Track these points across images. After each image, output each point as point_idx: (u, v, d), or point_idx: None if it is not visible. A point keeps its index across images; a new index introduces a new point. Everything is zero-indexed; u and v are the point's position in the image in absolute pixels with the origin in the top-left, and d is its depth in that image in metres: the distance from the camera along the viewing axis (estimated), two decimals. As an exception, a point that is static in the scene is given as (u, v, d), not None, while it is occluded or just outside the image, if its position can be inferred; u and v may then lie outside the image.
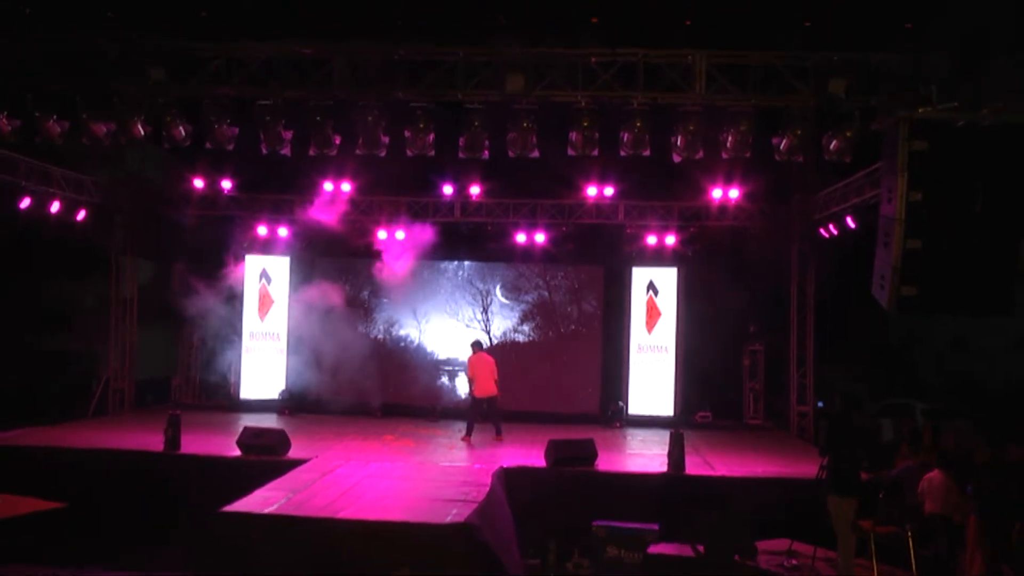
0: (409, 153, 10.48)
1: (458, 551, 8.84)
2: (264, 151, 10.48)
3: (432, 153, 10.52)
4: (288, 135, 10.45)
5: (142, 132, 10.32)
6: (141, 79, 9.78)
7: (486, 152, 10.44)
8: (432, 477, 11.75)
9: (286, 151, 10.57)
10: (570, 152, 10.36)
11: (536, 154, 10.37)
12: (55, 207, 15.41)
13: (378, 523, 9.12)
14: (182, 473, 12.44)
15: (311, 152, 10.55)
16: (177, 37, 9.78)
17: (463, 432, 15.12)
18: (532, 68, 9.74)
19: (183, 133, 10.43)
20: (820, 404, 16.49)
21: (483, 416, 15.21)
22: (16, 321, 16.61)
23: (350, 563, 8.71)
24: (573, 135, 10.15)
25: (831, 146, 10.18)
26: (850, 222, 14.58)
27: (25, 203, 14.73)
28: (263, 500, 9.97)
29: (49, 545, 10.66)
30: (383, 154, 10.48)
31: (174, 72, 9.90)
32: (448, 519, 9.19)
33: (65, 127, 10.32)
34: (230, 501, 9.78)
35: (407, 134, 10.26)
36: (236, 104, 10.32)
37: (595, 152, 10.29)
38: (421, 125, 10.14)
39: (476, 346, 15.73)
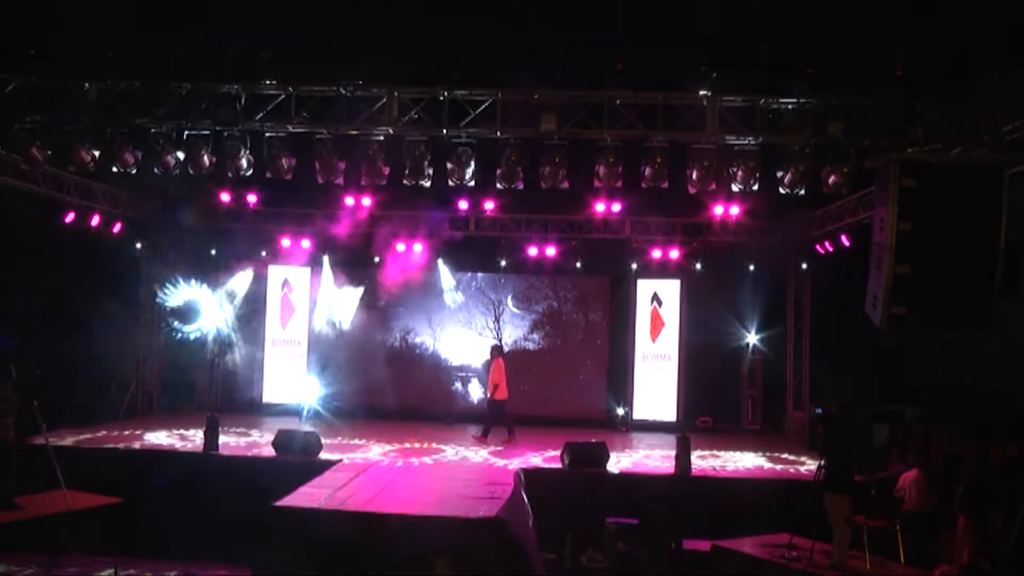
0: (450, 183, 11.41)
1: (491, 543, 9.61)
2: (320, 181, 11.40)
3: (473, 183, 11.47)
4: (342, 166, 11.37)
5: (208, 163, 11.24)
6: (211, 115, 10.75)
7: (520, 183, 11.39)
8: (459, 477, 12.53)
9: (339, 180, 11.52)
10: (596, 184, 11.32)
11: (566, 185, 11.33)
12: (95, 220, 16.29)
13: (419, 517, 9.90)
14: (222, 472, 13.20)
15: (363, 182, 11.48)
16: (243, 78, 10.71)
17: (478, 434, 16.05)
18: (564, 108, 10.71)
19: (246, 164, 11.36)
20: (819, 411, 17.25)
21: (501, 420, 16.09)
22: (52, 326, 17.34)
23: (395, 553, 9.51)
24: (600, 168, 11.08)
25: (829, 180, 11.12)
26: (844, 240, 15.34)
27: (70, 217, 15.63)
28: (308, 496, 10.73)
29: (108, 536, 11.33)
30: (428, 184, 11.42)
31: (241, 109, 10.85)
32: (481, 514, 9.97)
33: (138, 157, 11.25)
34: (269, 499, 10.42)
35: (449, 166, 11.19)
36: (293, 137, 11.22)
37: (619, 184, 11.27)
38: (463, 159, 11.09)
39: (499, 351, 16.75)
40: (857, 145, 10.64)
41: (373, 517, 9.89)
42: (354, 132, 11.06)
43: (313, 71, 10.66)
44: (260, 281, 19.60)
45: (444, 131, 10.90)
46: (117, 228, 17.16)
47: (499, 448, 15.38)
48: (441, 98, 10.82)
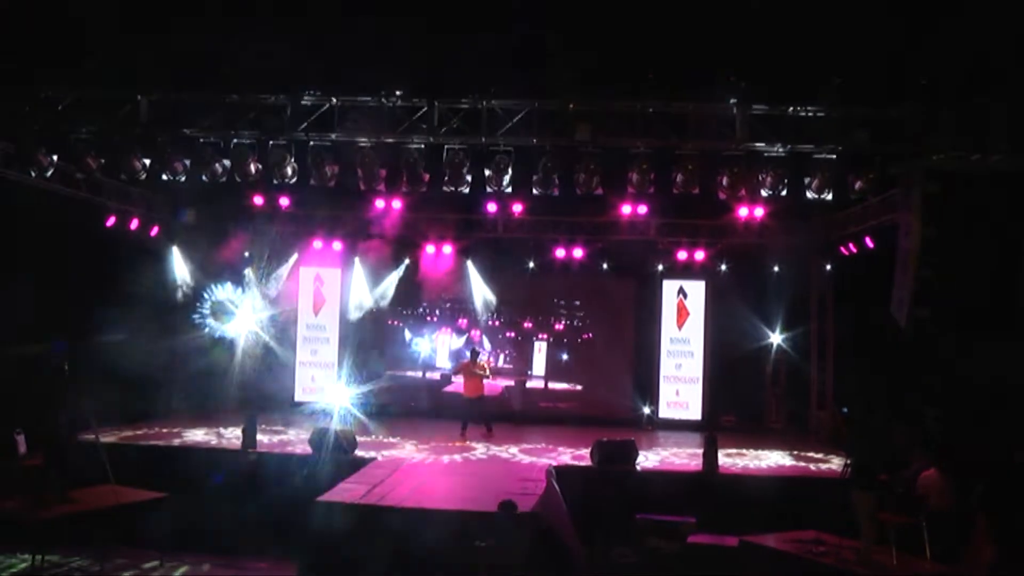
0: (488, 189, 11.76)
1: (528, 536, 9.88)
2: (362, 187, 11.79)
3: (510, 190, 11.81)
4: (383, 173, 11.74)
5: (254, 171, 11.64)
6: (257, 125, 11.17)
7: (556, 190, 11.72)
8: (492, 474, 12.83)
9: (381, 187, 11.90)
10: (629, 190, 11.63)
11: (600, 192, 11.64)
12: (134, 224, 16.82)
13: (458, 512, 10.25)
14: (261, 468, 13.48)
15: (404, 189, 11.85)
16: (289, 89, 11.14)
17: (488, 432, 16.64)
18: (598, 117, 11.04)
19: (291, 172, 11.77)
20: (844, 411, 17.42)
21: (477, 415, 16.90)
22: (91, 327, 17.70)
23: (435, 546, 9.75)
24: (633, 175, 11.40)
25: (856, 186, 11.37)
26: (868, 242, 15.39)
27: (111, 221, 16.18)
28: (349, 492, 11.06)
29: (153, 531, 11.57)
30: (467, 191, 11.78)
31: (286, 118, 11.28)
32: (517, 509, 10.33)
33: (187, 165, 11.69)
34: (307, 494, 10.89)
35: (487, 173, 11.55)
36: (337, 146, 11.61)
37: (651, 190, 11.58)
38: (501, 166, 11.45)
39: (476, 354, 17.48)
40: (882, 152, 10.86)
41: (413, 512, 10.20)
42: (395, 141, 11.46)
43: (356, 82, 11.05)
44: (291, 282, 19.96)
45: (483, 139, 11.27)
46: (154, 231, 17.60)
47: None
48: (480, 107, 11.21)
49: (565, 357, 20.26)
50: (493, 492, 11.27)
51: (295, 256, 19.68)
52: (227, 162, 11.64)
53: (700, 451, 13.60)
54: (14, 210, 13.37)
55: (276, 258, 19.40)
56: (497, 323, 20.57)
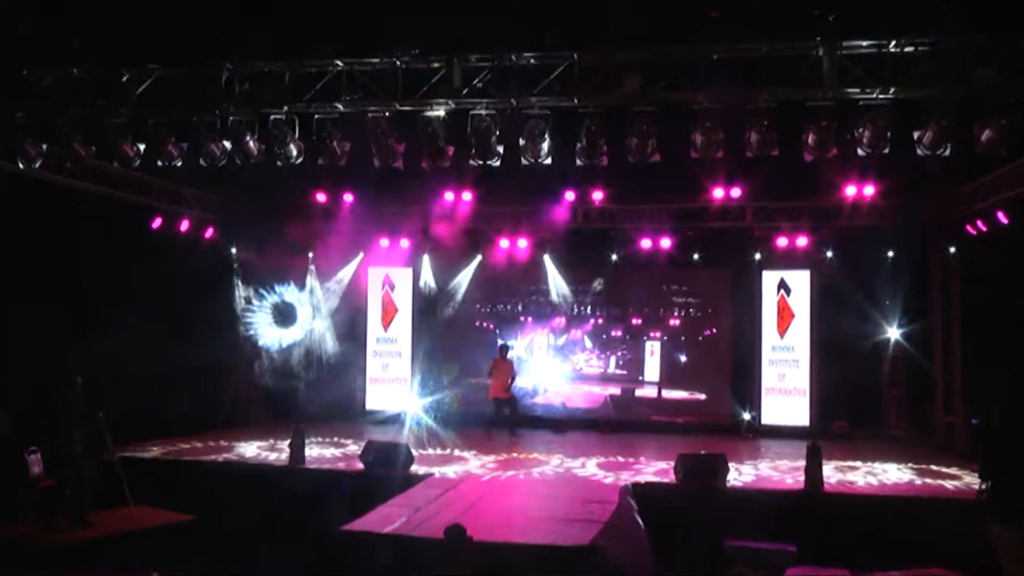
0: (524, 161, 10.23)
1: (583, 573, 8.53)
2: (377, 164, 10.46)
3: (548, 161, 10.24)
4: (401, 148, 10.41)
5: (255, 150, 10.48)
6: (253, 98, 10.00)
7: (604, 159, 10.09)
8: (555, 494, 11.55)
9: (398, 164, 10.52)
10: (693, 155, 9.89)
11: (657, 158, 9.95)
12: (184, 225, 16.18)
13: (501, 545, 8.89)
14: (306, 487, 12.45)
15: (423, 164, 10.42)
16: (287, 56, 9.94)
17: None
18: (649, 68, 9.37)
19: (295, 151, 10.56)
20: (975, 421, 15.35)
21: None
22: (149, 335, 17.15)
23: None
24: (696, 137, 9.67)
25: (983, 137, 9.30)
26: (1001, 217, 13.67)
27: (157, 223, 15.61)
28: (384, 518, 9.96)
29: (180, 555, 10.69)
30: (497, 163, 10.27)
31: (287, 90, 10.09)
32: (572, 541, 8.93)
33: (183, 149, 10.68)
34: (353, 516, 9.93)
35: (521, 142, 10.01)
36: (348, 118, 10.34)
37: (719, 154, 9.81)
38: (535, 132, 9.89)
39: (506, 350, 17.17)
40: (1015, 91, 8.83)
41: (445, 545, 8.83)
42: (412, 108, 10.07)
43: (363, 42, 9.75)
44: (359, 283, 19.10)
45: (514, 101, 9.75)
46: (209, 233, 16.89)
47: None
48: (509, 64, 9.68)
49: (684, 359, 18.70)
50: (550, 518, 10.02)
51: (360, 256, 18.65)
52: (227, 143, 10.47)
53: (804, 464, 11.85)
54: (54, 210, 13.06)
55: (339, 257, 18.49)
56: (600, 320, 19.22)
